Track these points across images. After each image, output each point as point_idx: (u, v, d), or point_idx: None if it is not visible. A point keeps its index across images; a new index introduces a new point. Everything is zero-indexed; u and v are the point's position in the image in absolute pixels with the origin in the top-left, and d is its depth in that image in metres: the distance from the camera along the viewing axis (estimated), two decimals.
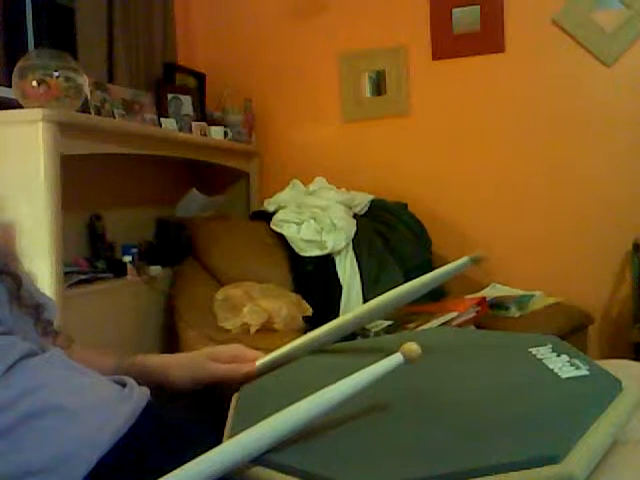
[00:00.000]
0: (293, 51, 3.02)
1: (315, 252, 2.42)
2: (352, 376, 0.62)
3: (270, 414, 0.61)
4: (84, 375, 0.77)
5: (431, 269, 0.83)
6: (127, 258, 2.23)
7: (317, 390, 0.63)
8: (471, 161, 2.80)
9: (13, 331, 0.72)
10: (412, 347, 0.61)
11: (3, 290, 0.74)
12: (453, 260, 0.81)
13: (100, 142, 1.97)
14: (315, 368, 0.83)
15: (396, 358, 0.61)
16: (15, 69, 1.79)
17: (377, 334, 1.92)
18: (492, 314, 2.23)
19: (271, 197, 2.70)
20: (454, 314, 1.96)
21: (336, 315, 2.03)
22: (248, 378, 0.83)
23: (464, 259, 0.81)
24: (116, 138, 2.05)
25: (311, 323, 2.13)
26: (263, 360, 0.85)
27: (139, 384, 0.80)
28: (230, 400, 0.74)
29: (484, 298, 2.15)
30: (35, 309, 0.78)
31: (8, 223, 0.81)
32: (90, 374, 0.78)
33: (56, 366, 0.74)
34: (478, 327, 2.07)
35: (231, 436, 0.61)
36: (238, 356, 0.87)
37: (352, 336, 1.06)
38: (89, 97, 2.03)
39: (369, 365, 0.62)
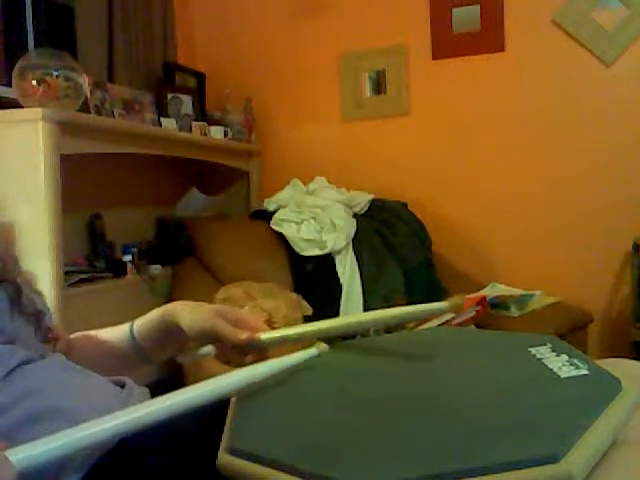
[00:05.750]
0: (293, 51, 3.02)
1: (315, 251, 2.42)
2: (265, 363, 0.72)
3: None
4: (83, 377, 0.77)
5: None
6: (127, 257, 2.23)
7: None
8: (471, 160, 2.80)
9: (14, 340, 0.72)
10: (325, 345, 0.76)
11: (4, 297, 0.74)
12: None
13: (100, 142, 1.97)
14: (315, 368, 0.83)
15: (311, 352, 0.74)
16: (15, 69, 1.79)
17: (377, 333, 1.92)
18: (492, 313, 2.23)
19: (271, 196, 2.70)
20: (454, 313, 1.96)
21: (336, 314, 2.04)
22: (250, 345, 0.82)
23: (443, 304, 0.80)
24: (116, 138, 2.05)
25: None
26: (270, 335, 0.84)
27: (149, 344, 0.85)
28: (230, 399, 0.74)
29: (484, 297, 2.15)
30: (35, 316, 0.78)
31: (7, 224, 0.81)
32: (90, 375, 0.78)
33: (55, 369, 0.74)
34: (478, 326, 2.07)
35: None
36: (242, 320, 0.85)
37: (352, 335, 1.06)
38: (89, 97, 2.04)
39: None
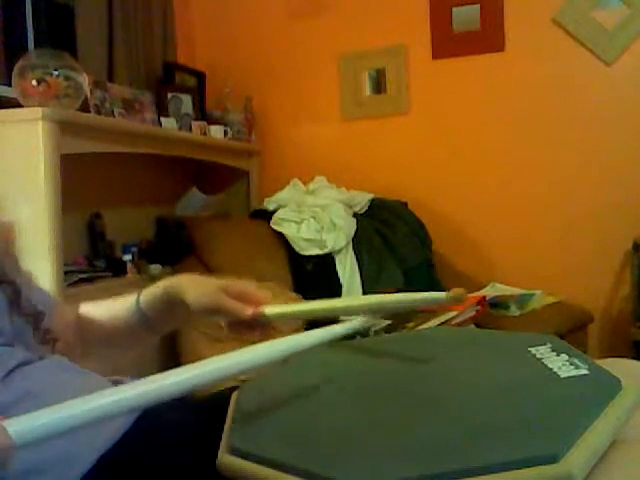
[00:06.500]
0: (293, 50, 3.02)
1: (315, 251, 2.42)
2: (307, 333, 0.72)
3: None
4: (82, 377, 0.77)
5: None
6: (127, 257, 2.23)
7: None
8: (471, 160, 2.80)
9: (13, 341, 0.72)
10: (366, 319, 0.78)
11: (3, 299, 0.74)
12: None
13: (100, 141, 1.97)
14: (315, 368, 0.83)
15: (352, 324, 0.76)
16: (15, 68, 1.79)
17: (377, 333, 1.92)
18: (492, 313, 2.23)
19: (271, 196, 2.70)
20: (454, 313, 1.96)
21: None
22: (255, 320, 0.83)
23: (441, 294, 0.79)
24: (116, 137, 2.05)
25: (310, 322, 2.13)
26: (274, 311, 0.84)
27: (154, 314, 0.86)
28: (230, 399, 0.74)
29: (484, 297, 2.14)
30: (34, 317, 0.78)
31: (7, 224, 0.81)
32: (89, 375, 0.78)
33: (54, 370, 0.74)
34: (478, 326, 2.07)
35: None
36: (246, 294, 0.86)
37: (352, 335, 1.06)
38: (89, 96, 2.03)
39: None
